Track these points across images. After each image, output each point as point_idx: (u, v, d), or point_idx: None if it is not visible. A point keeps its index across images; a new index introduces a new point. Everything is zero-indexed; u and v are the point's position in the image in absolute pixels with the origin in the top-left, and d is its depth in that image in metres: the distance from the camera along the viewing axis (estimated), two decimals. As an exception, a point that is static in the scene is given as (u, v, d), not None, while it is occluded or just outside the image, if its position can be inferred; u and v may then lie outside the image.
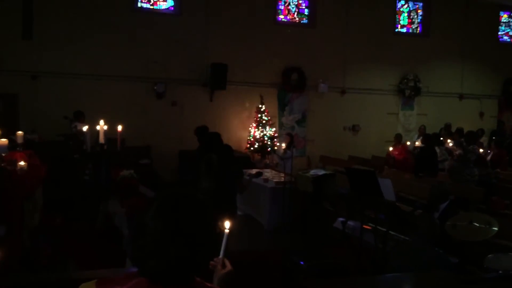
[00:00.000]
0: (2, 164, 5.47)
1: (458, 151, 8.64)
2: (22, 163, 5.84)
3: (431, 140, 10.30)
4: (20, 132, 7.02)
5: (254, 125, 12.26)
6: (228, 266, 1.86)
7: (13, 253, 4.54)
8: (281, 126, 12.95)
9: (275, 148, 11.93)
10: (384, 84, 13.99)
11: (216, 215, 1.55)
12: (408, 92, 14.21)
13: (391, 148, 11.49)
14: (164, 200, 1.48)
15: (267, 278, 5.41)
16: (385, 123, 13.87)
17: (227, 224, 1.94)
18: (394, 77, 14.18)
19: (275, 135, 12.35)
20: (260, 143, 12.03)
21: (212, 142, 6.02)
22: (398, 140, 11.69)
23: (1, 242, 4.30)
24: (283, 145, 9.69)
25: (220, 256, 1.89)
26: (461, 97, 14.93)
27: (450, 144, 10.25)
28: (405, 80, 14.18)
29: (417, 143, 11.49)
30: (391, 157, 11.26)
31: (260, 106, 12.30)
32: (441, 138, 11.17)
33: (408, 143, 12.28)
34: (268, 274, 5.51)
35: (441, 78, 14.56)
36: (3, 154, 5.95)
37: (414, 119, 14.41)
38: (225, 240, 1.93)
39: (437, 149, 10.10)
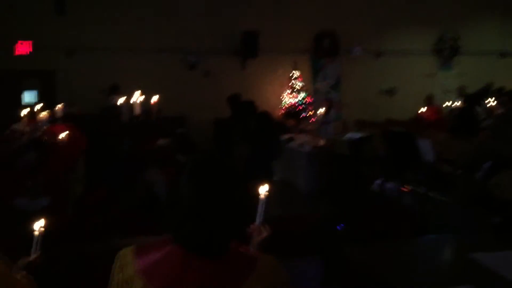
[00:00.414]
0: (45, 137, 5.65)
1: (500, 110, 8.35)
2: (62, 135, 6.02)
3: (472, 100, 9.99)
4: (59, 105, 7.21)
5: (288, 92, 12.17)
6: (265, 232, 1.86)
7: (58, 222, 4.70)
8: (315, 92, 12.81)
9: (310, 114, 11.87)
10: (420, 44, 13.54)
11: (252, 181, 1.54)
12: (446, 52, 13.70)
13: (422, 110, 11.25)
14: (193, 168, 1.47)
15: (304, 243, 5.44)
16: (422, 85, 13.44)
17: (263, 190, 1.92)
18: (431, 37, 13.69)
19: (309, 101, 12.24)
20: (294, 110, 11.96)
21: (249, 109, 6.06)
22: (429, 101, 11.41)
23: (47, 212, 4.46)
24: (322, 110, 9.58)
25: (257, 222, 1.89)
26: (503, 54, 14.29)
27: (492, 103, 9.91)
28: (443, 40, 13.67)
29: (456, 104, 11.17)
30: (422, 118, 11.03)
31: (293, 73, 12.17)
32: (482, 98, 10.80)
33: (447, 104, 11.94)
34: (305, 238, 5.53)
35: (481, 35, 13.94)
36: (45, 127, 6.14)
37: (453, 80, 13.93)
38: (261, 206, 1.91)
39: (478, 109, 9.79)
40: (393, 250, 3.12)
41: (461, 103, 10.59)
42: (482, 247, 2.96)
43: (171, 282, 1.40)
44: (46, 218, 2.10)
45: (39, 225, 2.00)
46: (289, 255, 5.10)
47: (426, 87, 13.31)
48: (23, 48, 10.55)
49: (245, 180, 1.52)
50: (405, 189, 5.30)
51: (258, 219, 1.89)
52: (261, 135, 5.55)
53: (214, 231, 1.42)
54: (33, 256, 1.94)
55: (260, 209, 1.91)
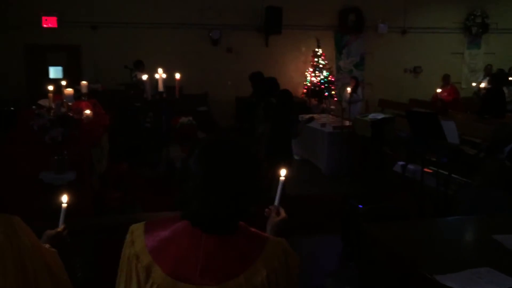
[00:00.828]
0: (70, 113, 5.74)
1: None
2: (87, 111, 6.11)
3: (499, 79, 9.75)
4: (84, 82, 7.30)
5: (311, 69, 12.06)
6: (283, 214, 1.82)
7: (84, 196, 4.82)
8: (338, 70, 12.67)
9: (333, 93, 11.77)
10: (448, 22, 13.18)
11: (271, 160, 1.52)
12: (475, 30, 13.32)
13: (439, 90, 11.05)
14: (205, 145, 1.46)
15: (325, 222, 5.47)
16: (449, 63, 13.16)
17: (283, 172, 1.88)
18: (459, 14, 13.31)
19: (332, 79, 12.12)
20: (317, 88, 11.86)
21: (271, 87, 6.04)
22: (446, 81, 11.23)
23: (73, 186, 4.57)
24: (348, 89, 9.47)
25: (275, 203, 1.85)
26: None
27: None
28: (472, 17, 13.27)
29: (483, 84, 10.94)
30: (438, 99, 10.85)
31: (316, 50, 12.04)
32: (510, 78, 10.54)
33: (474, 84, 11.69)
34: (326, 218, 5.56)
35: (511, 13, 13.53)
36: (70, 104, 6.24)
37: (481, 59, 13.57)
38: (280, 187, 1.88)
39: (505, 90, 9.57)
40: (413, 230, 3.12)
41: (487, 83, 10.36)
42: (505, 229, 2.94)
43: (177, 261, 1.39)
44: (72, 192, 2.14)
45: (66, 198, 2.04)
46: (310, 233, 5.15)
47: (453, 66, 13.03)
48: (49, 23, 10.70)
49: (260, 159, 1.49)
50: (428, 171, 5.25)
51: (277, 200, 1.89)
52: (281, 113, 5.54)
53: (220, 209, 1.39)
54: (58, 229, 1.98)
55: (279, 191, 1.90)
